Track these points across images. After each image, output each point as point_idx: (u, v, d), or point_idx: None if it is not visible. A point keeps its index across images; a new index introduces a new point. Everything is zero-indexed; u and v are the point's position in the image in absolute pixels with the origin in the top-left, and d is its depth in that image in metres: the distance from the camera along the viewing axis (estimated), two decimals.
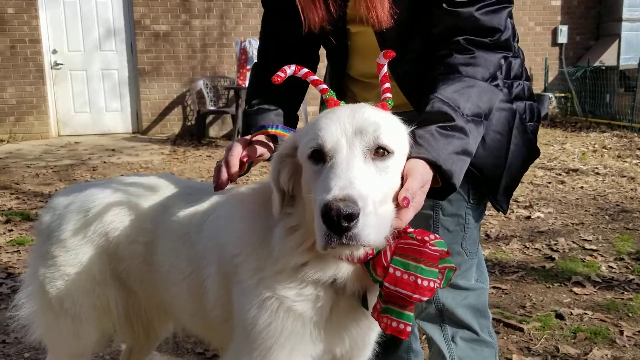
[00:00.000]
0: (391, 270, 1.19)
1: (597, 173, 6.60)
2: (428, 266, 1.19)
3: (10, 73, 9.68)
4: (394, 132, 1.24)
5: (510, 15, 1.63)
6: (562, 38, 11.08)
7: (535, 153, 1.71)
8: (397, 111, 1.56)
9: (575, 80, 10.92)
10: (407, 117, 1.41)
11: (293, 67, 1.37)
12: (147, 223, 1.64)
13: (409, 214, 1.21)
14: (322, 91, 1.38)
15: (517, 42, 1.71)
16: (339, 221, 1.05)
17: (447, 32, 1.49)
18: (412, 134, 1.33)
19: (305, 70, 1.38)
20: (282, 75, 1.34)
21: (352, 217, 1.05)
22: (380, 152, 1.19)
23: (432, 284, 1.18)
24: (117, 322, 1.76)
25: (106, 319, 1.75)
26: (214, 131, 10.31)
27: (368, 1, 1.46)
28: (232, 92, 9.95)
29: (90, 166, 7.49)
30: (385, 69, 1.37)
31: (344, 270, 1.26)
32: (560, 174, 6.58)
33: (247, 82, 8.56)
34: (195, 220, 1.56)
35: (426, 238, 1.24)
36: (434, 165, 1.29)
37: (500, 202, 1.67)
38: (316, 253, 1.24)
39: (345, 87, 1.79)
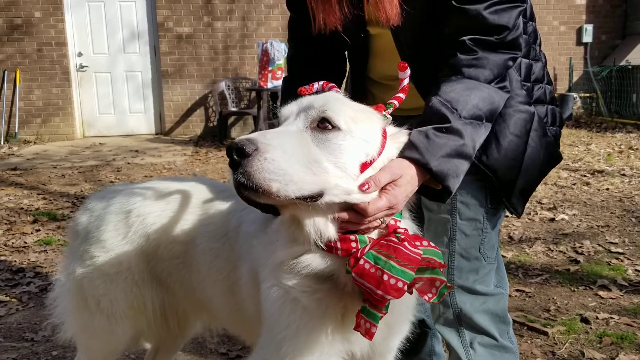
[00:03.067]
0: (361, 262, 1.20)
1: (624, 174, 6.48)
2: (401, 265, 1.18)
3: (37, 75, 9.87)
4: (350, 114, 1.26)
5: (532, 18, 1.61)
6: (587, 37, 10.91)
7: (557, 158, 1.69)
8: (416, 114, 1.57)
9: (601, 80, 10.74)
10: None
11: (321, 82, 1.42)
12: (187, 224, 1.68)
13: (379, 203, 1.23)
14: None
15: (540, 45, 1.69)
16: (231, 153, 1.13)
17: (454, 32, 1.48)
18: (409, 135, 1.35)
19: (331, 84, 1.43)
20: (309, 88, 1.40)
21: (243, 152, 1.12)
22: (324, 125, 1.23)
23: (400, 284, 1.17)
24: (153, 321, 1.80)
25: (141, 318, 1.79)
26: (235, 132, 10.38)
27: (377, 0, 1.46)
28: (253, 94, 10.01)
29: (115, 167, 7.61)
30: (406, 82, 1.38)
31: (333, 263, 1.28)
32: (585, 175, 6.48)
33: (268, 84, 8.66)
34: (234, 221, 1.60)
35: (417, 242, 1.25)
36: (425, 167, 1.30)
37: (514, 205, 1.65)
38: (305, 247, 1.27)
39: (366, 89, 1.81)
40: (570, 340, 2.85)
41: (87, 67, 10.07)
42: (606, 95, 10.76)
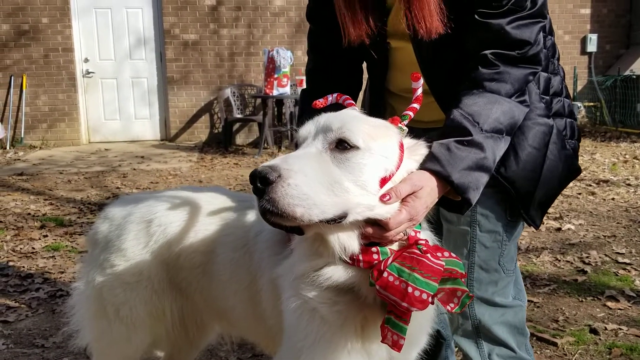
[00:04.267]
0: (385, 274, 1.21)
1: (629, 184, 6.49)
2: (425, 277, 1.19)
3: (43, 81, 9.92)
4: (367, 132, 1.26)
5: (550, 33, 1.63)
6: (592, 47, 10.95)
7: (576, 171, 1.71)
8: (436, 127, 1.59)
9: (605, 90, 10.76)
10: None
11: (335, 95, 1.44)
12: (208, 234, 1.70)
13: (400, 217, 1.24)
14: None
15: (558, 59, 1.71)
16: (255, 181, 1.15)
17: (476, 45, 1.50)
18: (429, 147, 1.36)
19: (345, 96, 1.45)
20: (323, 101, 1.42)
21: (266, 180, 1.14)
22: (343, 145, 1.24)
23: (424, 296, 1.18)
24: (172, 329, 1.81)
25: (159, 326, 1.81)
26: (240, 139, 10.42)
27: (416, 12, 1.45)
28: (258, 100, 10.05)
29: (121, 173, 7.63)
30: (419, 92, 1.39)
31: (354, 275, 1.29)
32: (590, 185, 6.49)
33: (274, 91, 8.70)
34: (253, 230, 1.61)
35: (438, 253, 1.26)
36: (446, 180, 1.32)
37: (533, 217, 1.66)
38: (326, 259, 1.29)
39: (385, 102, 1.82)
40: (579, 351, 2.85)
41: (93, 73, 10.12)
42: (610, 105, 10.78)
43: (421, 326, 1.43)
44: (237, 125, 10.34)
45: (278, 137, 9.59)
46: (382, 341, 1.24)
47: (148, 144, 10.14)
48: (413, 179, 1.29)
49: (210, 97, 10.30)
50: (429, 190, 1.30)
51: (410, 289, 1.18)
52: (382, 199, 1.23)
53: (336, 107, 1.43)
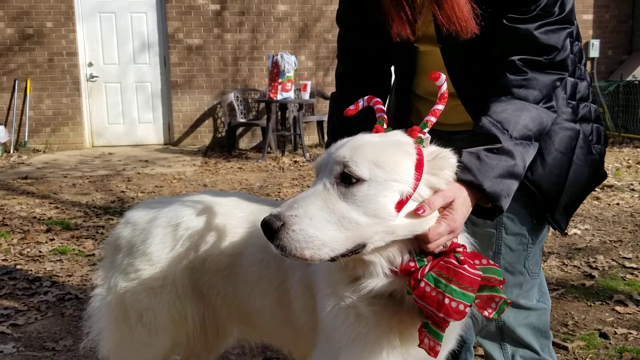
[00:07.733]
0: (422, 284, 1.21)
1: (633, 189, 6.50)
2: (462, 288, 1.20)
3: (47, 85, 9.94)
4: (374, 160, 1.24)
5: (578, 38, 1.64)
6: (594, 52, 10.97)
7: (601, 176, 1.71)
8: (462, 129, 1.60)
9: (608, 95, 10.79)
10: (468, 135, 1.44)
11: (365, 98, 1.43)
12: (236, 237, 1.70)
13: (439, 229, 1.24)
14: (377, 117, 1.43)
15: (585, 64, 1.72)
16: (264, 230, 1.20)
17: (504, 51, 1.50)
18: (459, 155, 1.36)
19: (376, 99, 1.44)
20: (353, 108, 1.42)
21: (271, 230, 1.19)
22: (349, 179, 1.23)
23: (461, 307, 1.18)
24: (192, 334, 1.80)
25: (181, 331, 1.80)
26: (243, 143, 10.43)
27: (448, 12, 1.43)
28: (262, 105, 10.07)
29: (125, 177, 7.63)
30: (444, 88, 1.37)
31: (392, 282, 1.29)
32: (595, 190, 6.48)
33: (278, 95, 8.70)
34: None
35: (476, 262, 1.26)
36: (478, 189, 1.32)
37: (558, 221, 1.67)
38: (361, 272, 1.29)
39: (411, 105, 1.83)
40: (590, 355, 2.85)
41: (97, 77, 10.15)
42: (613, 110, 10.80)
43: (453, 327, 1.44)
44: (240, 130, 10.35)
45: (282, 142, 9.60)
46: (419, 345, 1.25)
47: (152, 148, 10.15)
48: (444, 191, 1.29)
49: (214, 102, 10.32)
50: (462, 200, 1.30)
51: (446, 300, 1.18)
52: (417, 211, 1.23)
53: (368, 110, 1.44)
